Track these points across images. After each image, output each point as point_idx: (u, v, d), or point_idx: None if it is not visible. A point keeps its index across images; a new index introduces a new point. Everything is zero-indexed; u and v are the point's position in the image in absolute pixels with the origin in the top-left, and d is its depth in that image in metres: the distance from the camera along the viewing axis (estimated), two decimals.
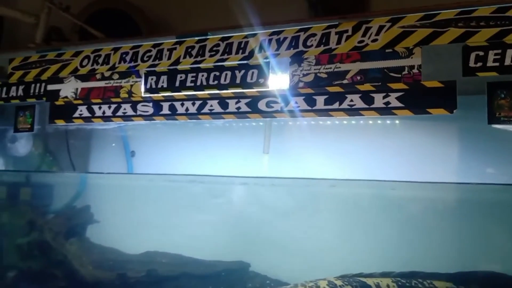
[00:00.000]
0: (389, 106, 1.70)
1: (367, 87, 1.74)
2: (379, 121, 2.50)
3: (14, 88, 2.49)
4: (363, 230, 2.52)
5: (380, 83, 1.72)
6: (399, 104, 1.68)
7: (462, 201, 2.43)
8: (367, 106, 1.74)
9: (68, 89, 2.33)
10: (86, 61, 2.30)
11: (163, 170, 2.84)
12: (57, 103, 2.36)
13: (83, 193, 3.16)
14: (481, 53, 1.56)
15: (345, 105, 1.77)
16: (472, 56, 1.57)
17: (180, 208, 2.92)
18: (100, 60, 2.27)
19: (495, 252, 2.24)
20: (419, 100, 1.65)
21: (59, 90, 2.36)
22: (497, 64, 1.54)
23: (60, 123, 2.35)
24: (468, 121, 2.00)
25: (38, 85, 2.41)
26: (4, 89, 2.52)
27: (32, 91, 2.42)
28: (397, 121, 2.47)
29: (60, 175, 3.31)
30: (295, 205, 2.70)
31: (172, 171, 2.79)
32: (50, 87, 2.38)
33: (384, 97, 1.71)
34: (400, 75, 1.68)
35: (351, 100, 1.76)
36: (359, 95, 1.75)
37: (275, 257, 2.63)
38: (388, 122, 2.48)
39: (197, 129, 2.79)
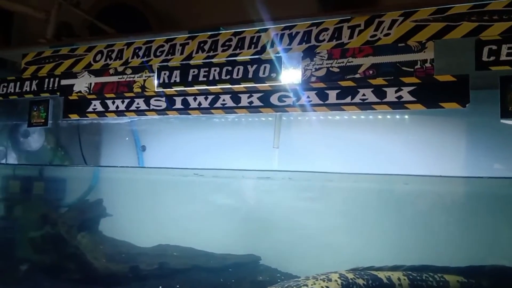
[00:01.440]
0: (402, 100, 1.71)
1: (379, 81, 1.75)
2: (388, 116, 2.50)
3: (27, 83, 2.52)
4: (377, 224, 2.54)
5: (392, 77, 1.73)
6: (412, 98, 1.69)
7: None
8: (379, 100, 1.75)
9: (82, 84, 2.36)
10: (99, 56, 2.33)
11: (174, 164, 2.86)
12: (70, 97, 2.39)
13: (96, 186, 3.20)
14: (494, 47, 1.56)
15: (357, 99, 1.78)
16: (485, 50, 1.58)
17: (191, 202, 2.95)
18: (113, 55, 2.29)
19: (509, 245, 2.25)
20: (432, 94, 1.66)
21: (72, 85, 2.39)
22: (510, 58, 1.54)
23: (74, 117, 2.38)
24: (481, 116, 2.01)
25: (51, 79, 2.45)
26: (18, 83, 2.56)
27: (46, 85, 2.45)
28: (406, 116, 2.48)
29: (73, 169, 3.35)
30: (306, 199, 2.73)
31: (183, 165, 2.82)
32: (64, 82, 2.41)
33: (396, 91, 1.72)
34: (412, 69, 1.69)
35: (364, 94, 1.77)
36: (372, 89, 1.76)
37: (286, 250, 2.65)
38: (397, 116, 2.49)
39: (208, 124, 2.81)
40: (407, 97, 1.70)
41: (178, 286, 2.49)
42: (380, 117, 2.52)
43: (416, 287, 1.95)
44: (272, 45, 1.94)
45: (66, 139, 3.29)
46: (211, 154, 2.87)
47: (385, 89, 1.74)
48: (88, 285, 2.53)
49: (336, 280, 1.85)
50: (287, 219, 2.71)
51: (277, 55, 1.94)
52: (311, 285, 1.81)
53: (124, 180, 3.15)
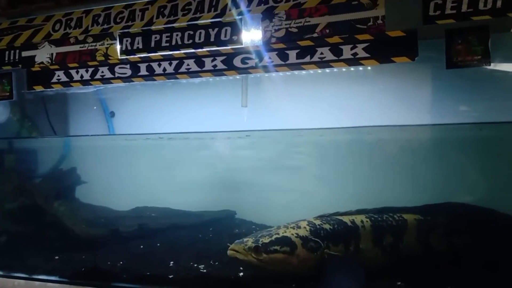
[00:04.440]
0: (357, 57, 1.80)
1: (335, 39, 1.83)
2: (352, 68, 2.59)
3: None
4: (347, 173, 2.69)
5: (347, 35, 1.81)
6: (366, 55, 1.79)
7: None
8: (336, 58, 1.84)
9: (43, 54, 2.34)
10: (58, 25, 2.30)
11: (145, 129, 2.90)
12: (33, 69, 2.37)
13: (68, 155, 3.22)
14: (440, 2, 1.66)
15: (316, 58, 1.87)
16: (432, 4, 1.67)
17: (166, 165, 3.03)
18: (72, 24, 2.27)
19: (466, 185, 2.44)
20: (384, 49, 1.76)
21: (34, 56, 2.36)
22: (454, 11, 1.64)
23: (39, 89, 2.38)
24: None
25: (12, 52, 2.41)
26: None
27: (7, 58, 2.41)
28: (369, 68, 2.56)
29: (43, 139, 3.33)
30: (277, 155, 2.84)
31: (153, 130, 2.86)
32: (25, 53, 2.38)
33: (352, 49, 1.81)
34: (365, 27, 1.78)
35: (321, 53, 1.85)
36: (329, 47, 1.84)
37: (260, 204, 2.79)
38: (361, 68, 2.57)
39: (175, 87, 2.84)
40: (361, 53, 1.79)
41: (158, 244, 2.59)
42: (344, 69, 2.60)
43: (378, 227, 2.10)
44: (232, 7, 1.98)
45: (32, 110, 3.25)
46: (181, 117, 2.92)
47: (341, 46, 1.82)
48: (70, 251, 2.60)
49: (305, 227, 2.00)
50: (260, 174, 2.83)
51: (237, 17, 1.98)
52: (282, 233, 1.95)
53: (96, 147, 3.17)
